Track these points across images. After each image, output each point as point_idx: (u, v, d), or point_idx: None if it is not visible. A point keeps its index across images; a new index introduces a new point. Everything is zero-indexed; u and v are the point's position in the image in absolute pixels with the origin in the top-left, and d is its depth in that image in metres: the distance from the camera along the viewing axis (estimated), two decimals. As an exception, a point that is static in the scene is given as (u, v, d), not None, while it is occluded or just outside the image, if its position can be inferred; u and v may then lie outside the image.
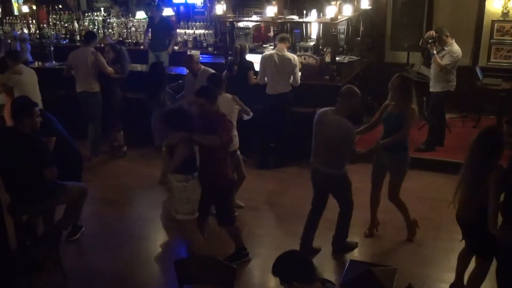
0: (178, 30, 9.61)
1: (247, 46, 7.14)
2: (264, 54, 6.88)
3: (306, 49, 8.11)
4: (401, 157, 4.89)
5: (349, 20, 8.09)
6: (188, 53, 7.00)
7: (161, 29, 9.01)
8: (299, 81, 6.76)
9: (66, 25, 10.39)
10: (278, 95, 6.71)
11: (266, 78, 6.75)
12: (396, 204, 5.10)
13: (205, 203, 4.72)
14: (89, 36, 7.38)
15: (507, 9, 8.01)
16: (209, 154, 4.54)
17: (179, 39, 9.54)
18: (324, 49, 7.78)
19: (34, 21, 10.74)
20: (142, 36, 9.56)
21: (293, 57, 6.74)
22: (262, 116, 6.95)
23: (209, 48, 9.19)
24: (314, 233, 4.96)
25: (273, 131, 6.99)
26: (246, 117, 5.60)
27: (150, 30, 9.15)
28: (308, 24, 8.41)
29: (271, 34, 8.87)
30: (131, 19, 10.15)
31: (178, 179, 4.50)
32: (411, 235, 5.19)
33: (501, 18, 8.11)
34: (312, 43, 8.28)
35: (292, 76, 6.71)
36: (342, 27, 8.33)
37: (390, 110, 4.83)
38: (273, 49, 7.09)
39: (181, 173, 4.48)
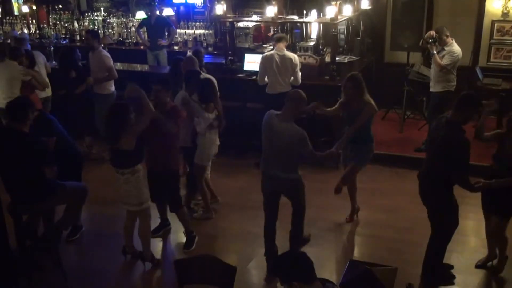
0: (178, 30, 9.62)
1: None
2: (264, 54, 6.87)
3: (306, 49, 8.11)
4: (364, 148, 5.16)
5: (349, 20, 8.09)
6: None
7: (158, 29, 9.03)
8: (300, 80, 6.75)
9: (66, 25, 10.40)
10: (278, 94, 6.71)
11: (266, 79, 6.75)
12: (348, 187, 5.40)
13: (155, 191, 4.95)
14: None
15: (507, 9, 8.01)
16: (159, 144, 4.82)
17: (179, 38, 9.55)
18: (324, 49, 7.78)
19: (34, 21, 10.75)
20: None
21: (294, 56, 6.74)
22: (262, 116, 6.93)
23: (209, 48, 9.19)
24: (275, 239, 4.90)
25: None
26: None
27: (144, 28, 9.18)
28: (308, 24, 8.40)
29: (271, 34, 8.87)
30: (131, 19, 10.16)
31: (124, 172, 4.57)
32: (351, 217, 5.60)
33: (501, 18, 8.11)
34: (312, 43, 8.28)
35: (293, 76, 6.71)
36: (342, 27, 8.33)
37: (350, 107, 5.07)
38: (273, 49, 7.07)
39: (127, 167, 4.55)
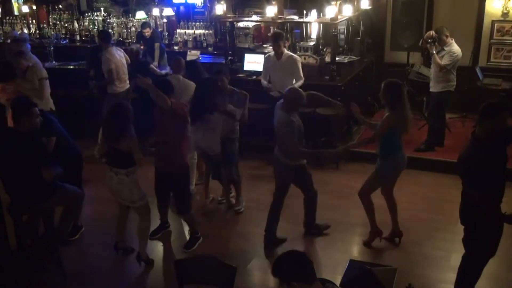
0: (178, 30, 9.61)
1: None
2: (266, 54, 6.88)
3: (306, 49, 8.12)
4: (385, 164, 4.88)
5: (349, 20, 8.09)
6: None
7: (151, 44, 8.84)
8: (302, 77, 6.58)
9: (66, 25, 10.39)
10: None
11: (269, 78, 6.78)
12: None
13: (161, 190, 5.10)
14: None
15: (507, 9, 8.02)
16: (165, 137, 4.81)
17: (179, 38, 9.54)
18: (324, 49, 7.79)
19: (34, 21, 10.73)
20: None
21: (295, 56, 6.77)
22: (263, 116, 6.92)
23: (209, 48, 9.18)
24: (277, 224, 5.16)
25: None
26: None
27: (141, 42, 9.07)
28: (308, 24, 8.41)
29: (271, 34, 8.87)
30: (131, 19, 10.15)
31: (119, 172, 4.60)
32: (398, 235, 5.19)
33: (501, 18, 8.12)
34: (312, 43, 8.29)
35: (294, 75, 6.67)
36: (342, 27, 8.33)
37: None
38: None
39: (123, 167, 4.59)
